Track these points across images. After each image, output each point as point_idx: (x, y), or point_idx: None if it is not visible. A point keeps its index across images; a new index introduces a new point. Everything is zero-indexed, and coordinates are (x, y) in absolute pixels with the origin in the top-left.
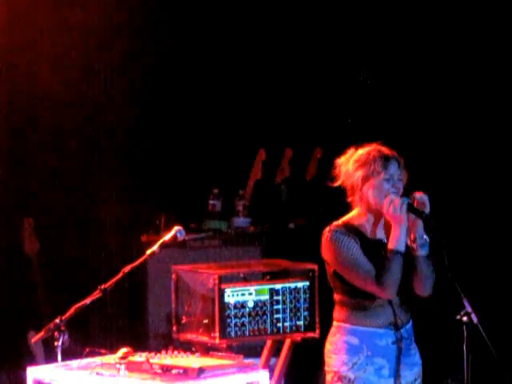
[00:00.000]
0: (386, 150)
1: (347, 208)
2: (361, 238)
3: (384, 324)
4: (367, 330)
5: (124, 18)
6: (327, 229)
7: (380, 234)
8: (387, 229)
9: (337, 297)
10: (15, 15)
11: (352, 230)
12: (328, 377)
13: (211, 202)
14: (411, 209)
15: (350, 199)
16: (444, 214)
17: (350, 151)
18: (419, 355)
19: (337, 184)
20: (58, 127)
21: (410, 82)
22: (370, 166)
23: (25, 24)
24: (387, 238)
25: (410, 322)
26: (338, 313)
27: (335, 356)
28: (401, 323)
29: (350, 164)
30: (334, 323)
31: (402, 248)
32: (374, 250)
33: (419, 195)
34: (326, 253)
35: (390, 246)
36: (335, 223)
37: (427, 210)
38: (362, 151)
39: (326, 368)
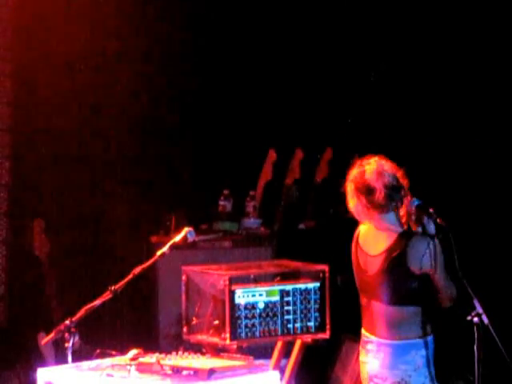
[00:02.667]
0: (379, 161)
1: None
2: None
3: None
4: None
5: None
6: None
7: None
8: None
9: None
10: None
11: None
12: None
13: (222, 203)
14: (422, 208)
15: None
16: (454, 216)
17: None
18: None
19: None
20: (69, 128)
21: (420, 84)
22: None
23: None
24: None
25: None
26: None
27: (415, 372)
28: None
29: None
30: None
31: None
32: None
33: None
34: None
35: None
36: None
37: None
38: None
39: None
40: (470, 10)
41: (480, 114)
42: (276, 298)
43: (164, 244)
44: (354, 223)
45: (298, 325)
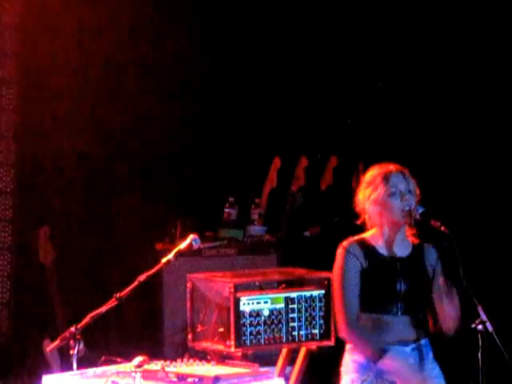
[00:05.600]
0: (388, 167)
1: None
2: (374, 256)
3: (392, 341)
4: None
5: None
6: (342, 243)
7: (397, 250)
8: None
9: None
10: None
11: (366, 246)
12: None
13: (227, 210)
14: (424, 216)
15: (361, 221)
16: (458, 224)
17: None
18: (438, 372)
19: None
20: (75, 136)
21: (424, 91)
22: (371, 184)
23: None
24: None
25: (425, 338)
26: None
27: (345, 376)
28: (411, 340)
29: (360, 191)
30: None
31: None
32: (388, 266)
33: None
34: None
35: None
36: (351, 239)
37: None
38: (366, 174)
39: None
40: (485, 19)
41: (467, 121)
42: (281, 305)
43: (169, 251)
44: (358, 230)
45: (302, 332)
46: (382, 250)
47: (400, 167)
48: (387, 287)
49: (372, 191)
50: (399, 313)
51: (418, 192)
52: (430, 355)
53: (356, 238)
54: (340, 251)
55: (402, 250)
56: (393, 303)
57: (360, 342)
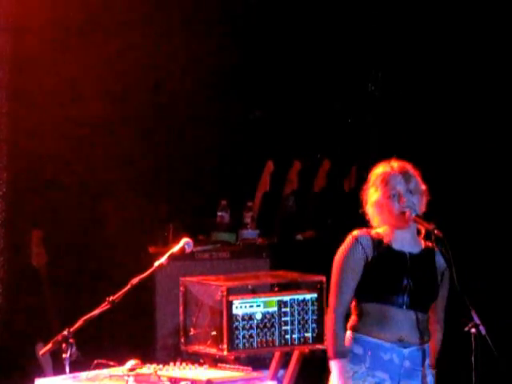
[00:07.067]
0: (388, 168)
1: (355, 220)
2: (383, 248)
3: (392, 338)
4: (373, 340)
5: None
6: (352, 232)
7: (407, 247)
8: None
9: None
10: None
11: (376, 239)
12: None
13: (219, 213)
14: (418, 220)
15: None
16: (452, 227)
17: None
18: (431, 379)
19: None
20: (68, 139)
21: (419, 94)
22: (373, 185)
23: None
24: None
25: (426, 344)
26: (350, 321)
27: None
28: (412, 342)
29: (364, 191)
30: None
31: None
32: (397, 260)
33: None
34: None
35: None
36: (363, 229)
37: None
38: (371, 173)
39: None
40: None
41: (466, 122)
42: (274, 308)
43: (162, 255)
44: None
45: (295, 335)
46: (393, 245)
47: (401, 166)
48: (394, 280)
49: (373, 193)
50: (404, 306)
51: (422, 188)
52: (427, 362)
53: (368, 229)
54: (349, 238)
55: (412, 247)
56: (398, 295)
57: (330, 329)
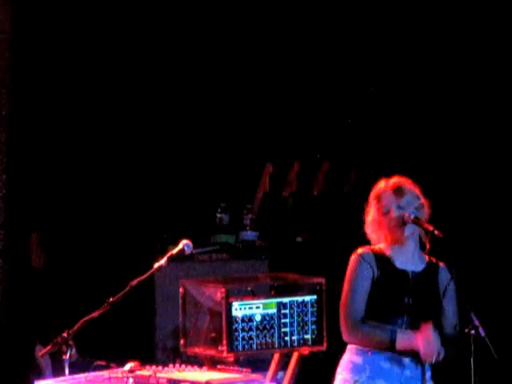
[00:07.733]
0: (386, 184)
1: (354, 222)
2: (386, 266)
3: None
4: (372, 351)
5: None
6: (356, 251)
7: (410, 265)
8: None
9: None
10: None
11: (380, 256)
12: None
13: (219, 215)
14: (417, 221)
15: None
16: (452, 227)
17: None
18: None
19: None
20: (67, 142)
21: (419, 94)
22: (369, 204)
23: None
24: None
25: None
26: None
27: (339, 375)
28: (412, 356)
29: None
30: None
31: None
32: (399, 278)
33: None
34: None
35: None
36: (366, 247)
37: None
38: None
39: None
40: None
41: (464, 124)
42: (273, 310)
43: (161, 256)
44: (350, 235)
45: (295, 337)
46: (395, 262)
47: (395, 182)
48: (395, 299)
49: (369, 212)
50: (404, 326)
51: (418, 203)
52: (429, 374)
53: (370, 247)
54: (354, 257)
55: (415, 264)
56: (398, 315)
57: (367, 338)
